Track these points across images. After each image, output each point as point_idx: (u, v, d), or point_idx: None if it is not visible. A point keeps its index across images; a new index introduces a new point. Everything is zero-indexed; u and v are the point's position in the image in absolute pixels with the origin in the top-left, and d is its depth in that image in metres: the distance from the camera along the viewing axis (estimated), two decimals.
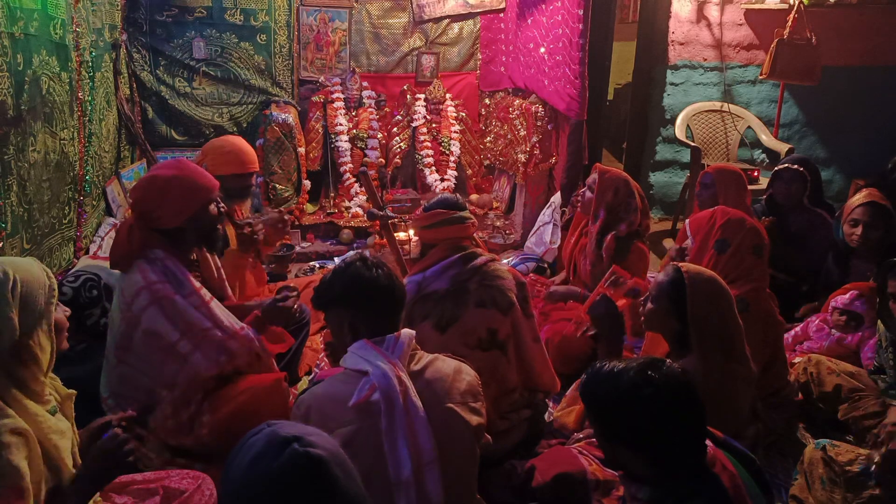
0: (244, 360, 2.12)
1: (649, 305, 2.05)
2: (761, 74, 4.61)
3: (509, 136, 4.79)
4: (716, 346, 1.92)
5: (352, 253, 2.58)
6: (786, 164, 3.36)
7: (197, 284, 2.11)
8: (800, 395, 2.59)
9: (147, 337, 1.98)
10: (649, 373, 1.35)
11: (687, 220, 2.69)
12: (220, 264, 2.47)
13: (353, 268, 1.69)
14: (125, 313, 2.01)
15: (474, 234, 2.40)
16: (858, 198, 2.93)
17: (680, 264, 2.03)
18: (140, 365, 2.00)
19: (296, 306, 2.34)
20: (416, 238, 2.45)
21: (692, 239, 2.55)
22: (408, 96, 5.27)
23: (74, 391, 1.63)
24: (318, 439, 1.05)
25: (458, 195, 2.42)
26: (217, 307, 2.13)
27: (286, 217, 3.04)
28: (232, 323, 2.13)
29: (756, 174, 4.48)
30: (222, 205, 2.27)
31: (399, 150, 5.21)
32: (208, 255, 2.41)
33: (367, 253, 1.79)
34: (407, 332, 1.66)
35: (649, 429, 1.34)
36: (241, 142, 3.09)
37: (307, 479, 1.00)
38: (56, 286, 1.50)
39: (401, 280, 1.73)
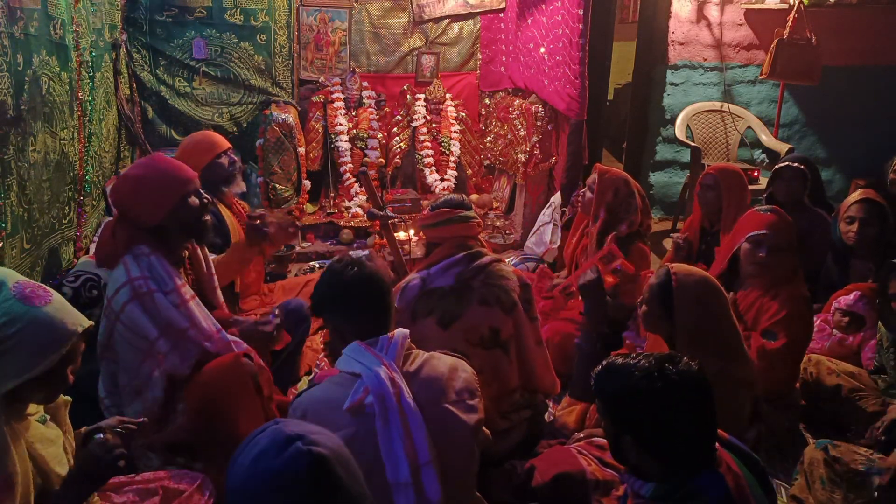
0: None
1: (643, 308, 2.06)
2: (761, 74, 4.61)
3: (509, 136, 4.78)
4: (708, 347, 1.90)
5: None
6: (786, 163, 3.36)
7: (180, 282, 2.08)
8: (802, 401, 2.60)
9: (126, 333, 1.97)
10: (666, 366, 1.35)
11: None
12: (213, 270, 2.44)
13: (329, 269, 1.71)
14: (106, 309, 2.01)
15: (480, 236, 2.40)
16: (854, 195, 2.94)
17: (671, 265, 2.03)
18: (119, 362, 2.00)
19: (275, 332, 2.33)
20: (421, 237, 2.45)
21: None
22: (408, 96, 5.27)
23: (70, 398, 1.63)
24: (322, 438, 1.05)
25: (463, 196, 2.43)
26: (197, 306, 2.11)
27: (297, 223, 3.04)
28: (210, 324, 2.12)
29: (756, 174, 4.48)
30: (205, 196, 2.22)
31: (399, 150, 5.21)
32: (201, 256, 2.39)
33: (352, 253, 1.77)
34: (401, 332, 1.65)
35: (659, 424, 1.33)
36: (203, 131, 3.19)
37: (309, 476, 1.00)
38: (78, 351, 1.48)
39: (383, 276, 1.70)
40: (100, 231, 2.12)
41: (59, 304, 1.48)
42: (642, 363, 1.38)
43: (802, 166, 3.31)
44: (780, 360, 2.34)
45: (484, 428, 1.71)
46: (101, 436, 1.52)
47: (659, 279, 2.01)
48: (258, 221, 2.69)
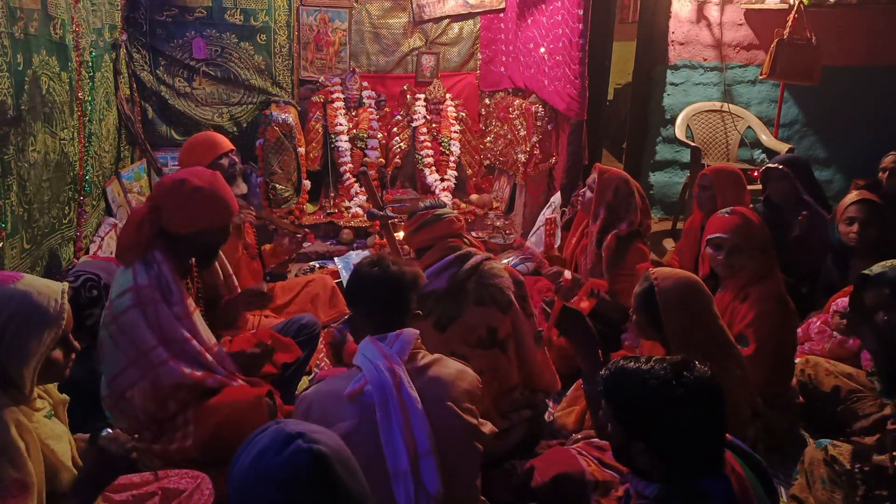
0: (222, 374, 2.12)
1: (633, 316, 2.06)
2: (761, 74, 4.61)
3: (509, 136, 4.79)
4: (699, 348, 1.90)
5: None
6: (768, 165, 3.40)
7: (185, 294, 2.11)
8: (800, 398, 2.60)
9: (118, 336, 1.97)
10: (683, 373, 1.33)
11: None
12: (228, 268, 2.46)
13: (356, 268, 1.79)
14: (106, 310, 2.01)
15: (465, 233, 2.42)
16: (851, 197, 2.96)
17: (652, 271, 2.03)
18: (106, 364, 2.00)
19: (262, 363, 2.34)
20: (410, 248, 2.48)
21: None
22: (408, 96, 5.27)
23: (67, 397, 1.63)
24: (323, 436, 1.06)
25: (436, 198, 2.46)
26: (199, 320, 2.13)
27: (302, 235, 3.09)
28: (208, 338, 2.14)
29: (756, 174, 4.47)
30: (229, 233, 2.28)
31: (399, 150, 5.21)
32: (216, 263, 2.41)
33: (380, 255, 1.81)
34: (410, 331, 1.70)
35: (675, 429, 1.32)
36: (206, 132, 3.21)
37: (310, 474, 1.01)
38: (62, 326, 1.48)
39: (402, 277, 1.73)
40: (123, 223, 2.12)
41: (28, 278, 1.48)
42: (657, 369, 1.34)
43: (782, 166, 3.33)
44: (753, 366, 2.31)
45: (489, 424, 1.73)
46: (109, 431, 1.52)
47: (642, 287, 2.02)
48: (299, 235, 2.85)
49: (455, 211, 2.43)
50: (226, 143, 3.04)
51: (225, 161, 2.98)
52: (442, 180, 5.11)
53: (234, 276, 2.48)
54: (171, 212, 2.07)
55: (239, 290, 2.52)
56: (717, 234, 2.48)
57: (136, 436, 1.94)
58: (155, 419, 2.00)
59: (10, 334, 1.40)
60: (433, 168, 5.14)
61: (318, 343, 2.77)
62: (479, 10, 5.37)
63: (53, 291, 1.48)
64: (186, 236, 2.10)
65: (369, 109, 5.12)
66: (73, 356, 1.55)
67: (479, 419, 1.70)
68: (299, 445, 1.02)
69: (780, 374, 2.46)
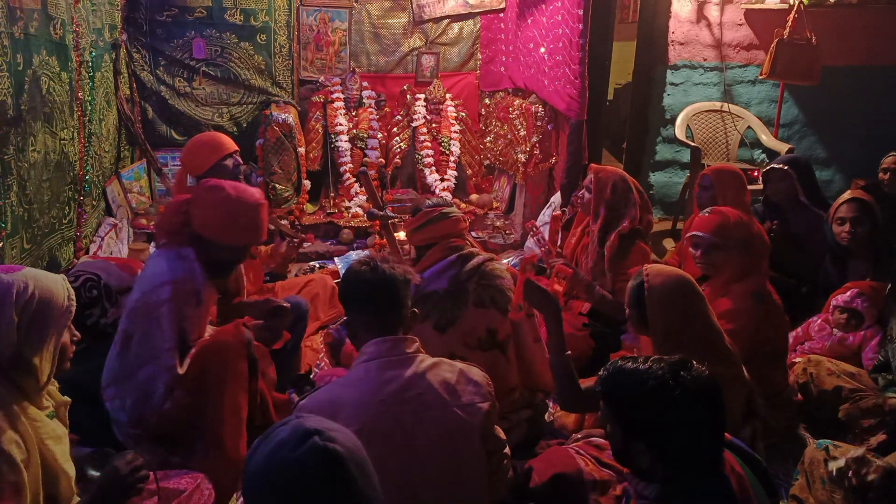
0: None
1: (627, 310, 2.06)
2: (761, 74, 4.61)
3: (509, 136, 4.78)
4: (682, 347, 1.89)
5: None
6: (772, 165, 3.40)
7: (210, 298, 2.16)
8: (799, 395, 2.60)
9: (155, 329, 2.00)
10: (681, 373, 1.33)
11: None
12: (241, 270, 2.49)
13: (347, 271, 1.75)
14: (139, 301, 2.02)
15: (467, 234, 2.41)
16: (842, 197, 2.97)
17: (647, 267, 2.03)
18: (137, 353, 2.01)
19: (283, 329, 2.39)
20: (410, 245, 2.46)
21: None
22: (408, 96, 5.27)
23: (69, 399, 1.64)
24: (340, 436, 1.07)
25: (442, 196, 2.45)
26: (208, 330, 2.19)
27: (300, 240, 3.08)
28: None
29: (756, 174, 4.48)
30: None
31: (399, 150, 5.21)
32: None
33: (377, 257, 1.77)
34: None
35: (674, 429, 1.31)
36: (210, 132, 3.18)
37: (323, 472, 1.02)
38: (73, 311, 1.52)
39: (392, 278, 1.68)
40: (167, 203, 2.16)
41: (30, 269, 1.52)
42: (654, 369, 1.34)
43: (786, 167, 3.33)
44: None
45: (498, 429, 1.72)
46: (128, 454, 1.53)
47: (634, 283, 2.03)
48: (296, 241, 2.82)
49: (461, 213, 2.41)
50: (230, 144, 3.00)
51: (229, 162, 2.94)
52: (442, 180, 5.11)
53: (241, 275, 2.51)
54: (198, 209, 2.11)
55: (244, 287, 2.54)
56: (694, 233, 2.51)
57: (143, 427, 1.97)
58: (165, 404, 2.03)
59: (30, 315, 1.43)
60: (433, 168, 5.14)
61: (305, 326, 2.77)
62: (479, 10, 5.37)
63: (58, 278, 1.53)
64: (206, 241, 2.13)
65: (369, 109, 5.12)
66: (74, 345, 1.58)
67: (489, 410, 1.66)
68: (315, 443, 1.03)
69: (771, 371, 2.45)
